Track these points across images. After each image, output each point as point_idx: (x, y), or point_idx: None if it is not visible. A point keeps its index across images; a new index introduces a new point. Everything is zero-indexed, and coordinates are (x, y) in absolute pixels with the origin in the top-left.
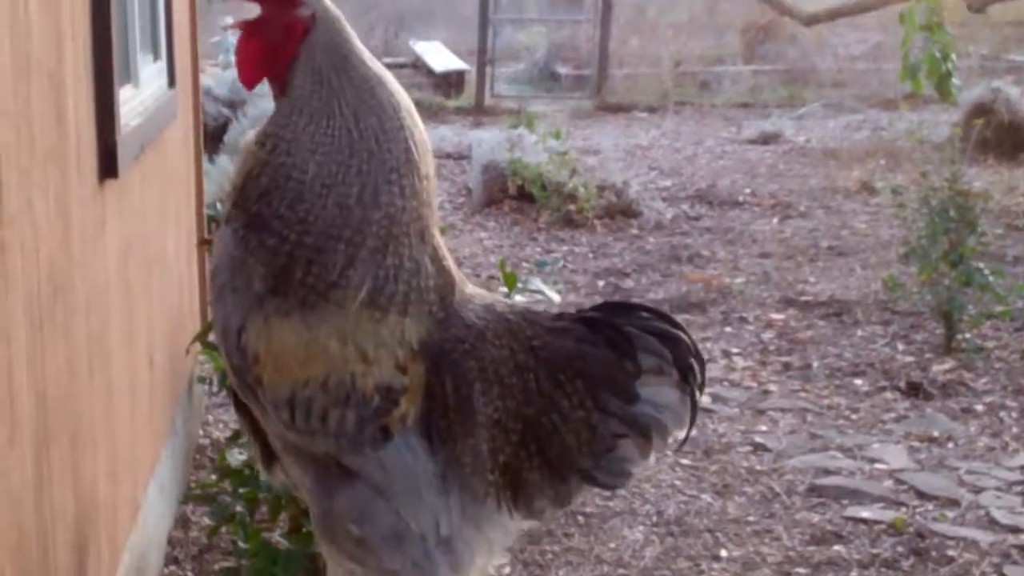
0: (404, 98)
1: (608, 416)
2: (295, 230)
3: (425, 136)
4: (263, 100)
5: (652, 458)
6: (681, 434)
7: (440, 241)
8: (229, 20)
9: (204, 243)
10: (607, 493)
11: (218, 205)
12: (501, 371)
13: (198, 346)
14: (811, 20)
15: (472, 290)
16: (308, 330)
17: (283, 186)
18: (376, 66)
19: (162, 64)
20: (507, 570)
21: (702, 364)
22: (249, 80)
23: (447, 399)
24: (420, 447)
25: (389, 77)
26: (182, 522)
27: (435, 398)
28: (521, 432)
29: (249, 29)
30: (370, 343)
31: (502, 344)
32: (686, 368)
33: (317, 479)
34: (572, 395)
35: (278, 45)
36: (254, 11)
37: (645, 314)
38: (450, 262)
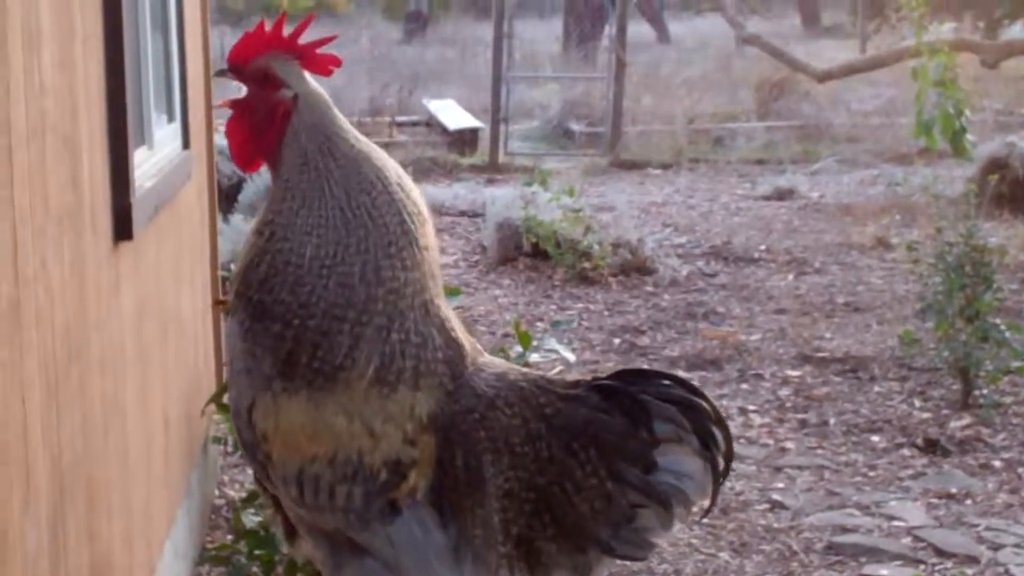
0: (394, 171)
1: (624, 485)
2: (298, 315)
3: (422, 206)
4: None
5: (675, 528)
6: (705, 503)
7: (449, 311)
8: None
9: (219, 303)
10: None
11: (232, 265)
12: (512, 440)
13: (213, 406)
14: (824, 76)
15: (486, 359)
16: (315, 408)
17: (282, 272)
18: (361, 143)
19: (176, 125)
20: None
21: (725, 430)
22: (240, 161)
23: (457, 471)
24: (430, 520)
25: (376, 152)
26: None
27: (445, 470)
28: (534, 502)
29: (236, 110)
30: (377, 419)
31: (513, 413)
32: (706, 435)
33: (328, 553)
34: (585, 464)
35: (263, 126)
36: (242, 90)
37: (663, 381)
38: (459, 332)
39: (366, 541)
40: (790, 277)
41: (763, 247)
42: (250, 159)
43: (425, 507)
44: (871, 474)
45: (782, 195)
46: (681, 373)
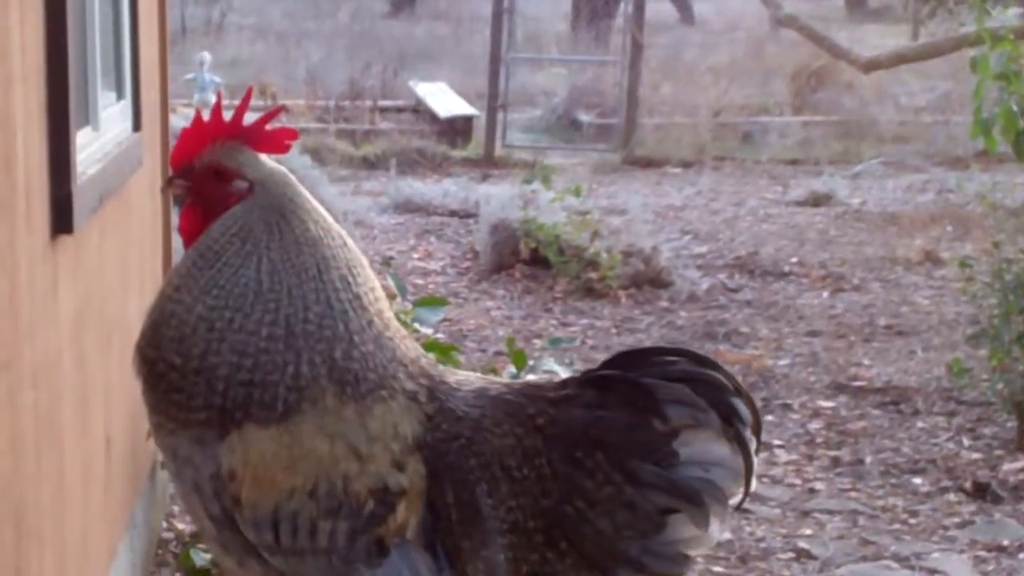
0: (344, 264)
1: (645, 488)
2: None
3: (378, 303)
4: None
5: (715, 531)
6: (739, 492)
7: (409, 341)
8: (205, 55)
9: None
10: None
11: None
12: (508, 463)
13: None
14: (870, 66)
15: (459, 376)
16: (289, 434)
17: (177, 329)
18: (319, 226)
19: (126, 104)
20: None
21: (748, 400)
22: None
23: (449, 509)
24: (423, 565)
25: (334, 241)
26: None
27: (437, 509)
28: (544, 531)
29: (189, 201)
30: (361, 438)
31: (503, 432)
32: (727, 411)
33: None
34: (595, 472)
35: (216, 216)
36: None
37: (663, 358)
38: (422, 354)
39: None
40: (825, 295)
41: (795, 259)
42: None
43: (416, 548)
44: (912, 521)
45: (818, 201)
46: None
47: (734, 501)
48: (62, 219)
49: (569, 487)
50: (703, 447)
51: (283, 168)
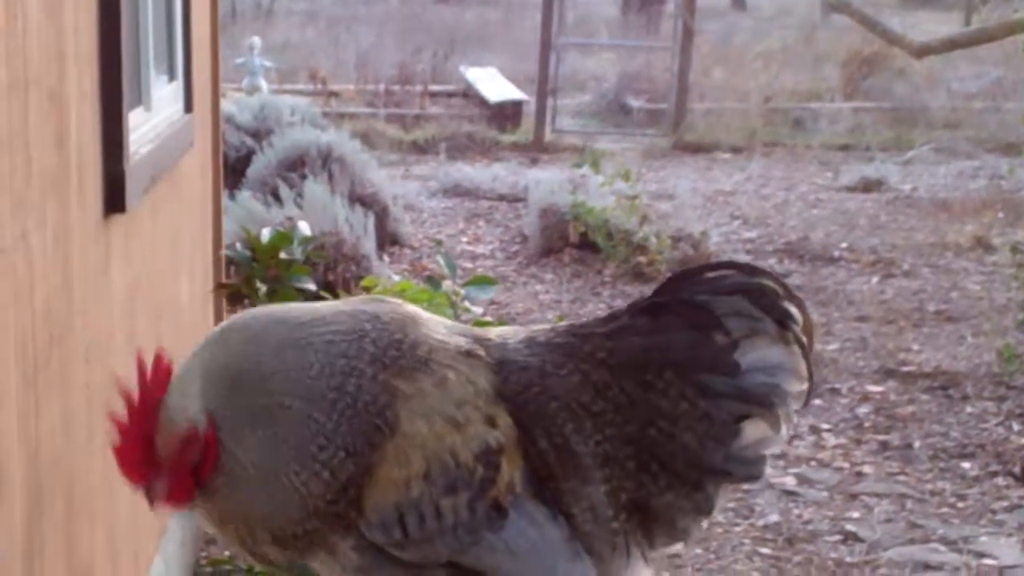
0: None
1: (718, 399)
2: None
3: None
4: (292, 130)
5: (785, 431)
6: (803, 388)
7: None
8: (255, 39)
9: (221, 288)
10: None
11: (238, 246)
12: (583, 400)
13: None
14: (923, 51)
15: (499, 330)
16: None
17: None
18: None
19: (178, 86)
20: None
21: (799, 303)
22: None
23: (545, 455)
24: (539, 515)
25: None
26: None
27: (531, 457)
28: (635, 456)
29: (178, 483)
30: (450, 406)
31: (569, 371)
32: (782, 316)
33: None
34: (667, 391)
35: (203, 466)
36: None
37: (711, 273)
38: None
39: (482, 560)
40: (874, 280)
41: (844, 245)
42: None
43: (528, 500)
44: (960, 505)
45: (869, 186)
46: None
47: (799, 398)
48: (115, 198)
49: (647, 410)
50: (763, 353)
51: (188, 368)
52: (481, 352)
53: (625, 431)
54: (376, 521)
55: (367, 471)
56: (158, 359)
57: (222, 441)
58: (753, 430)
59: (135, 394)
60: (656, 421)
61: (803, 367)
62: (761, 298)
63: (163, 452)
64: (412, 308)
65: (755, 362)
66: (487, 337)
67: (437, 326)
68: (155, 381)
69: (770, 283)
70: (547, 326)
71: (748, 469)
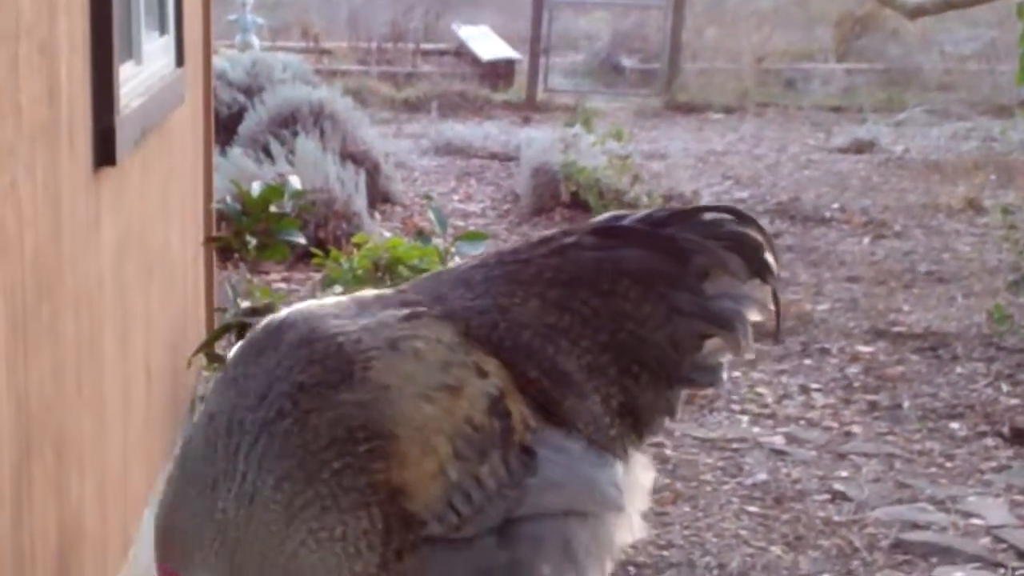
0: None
1: (680, 313)
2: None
3: None
4: (284, 87)
5: (745, 351)
6: (770, 315)
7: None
8: None
9: (211, 241)
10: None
11: (228, 199)
12: (551, 321)
13: (202, 359)
14: (916, 12)
15: (412, 289)
16: (398, 426)
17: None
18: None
19: (169, 40)
20: None
21: (771, 246)
22: None
23: (539, 382)
24: (560, 439)
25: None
26: None
27: (528, 391)
28: (615, 362)
29: None
30: (437, 375)
31: (524, 297)
32: (761, 268)
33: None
34: (628, 295)
35: None
36: None
37: (694, 216)
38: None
39: (532, 505)
40: (866, 241)
41: (836, 206)
42: None
43: (545, 430)
44: (948, 465)
45: (861, 148)
46: None
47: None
48: (105, 151)
49: (613, 316)
50: (732, 284)
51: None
52: (422, 309)
53: (599, 340)
54: (429, 518)
55: (395, 494)
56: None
57: None
58: (713, 346)
59: None
60: (624, 324)
61: (770, 301)
62: (743, 248)
63: None
64: (312, 307)
65: (723, 289)
66: (410, 297)
67: (360, 309)
68: None
69: (753, 234)
70: (461, 264)
71: (708, 378)
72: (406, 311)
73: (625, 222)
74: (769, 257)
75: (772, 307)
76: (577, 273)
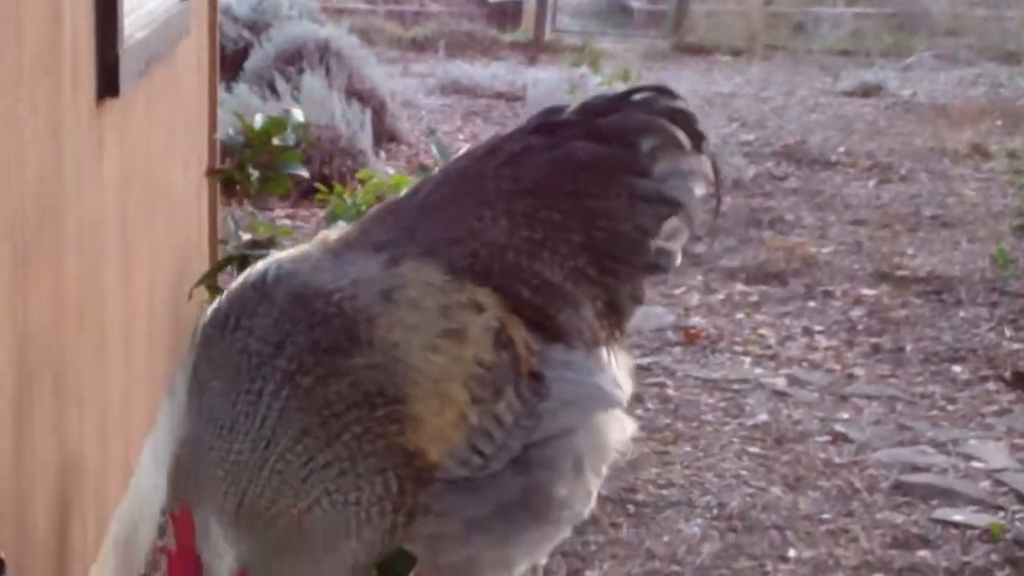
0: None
1: (639, 198)
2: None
3: None
4: (290, 24)
5: (697, 230)
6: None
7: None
8: None
9: (214, 173)
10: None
11: (230, 131)
12: (526, 235)
13: (203, 292)
14: None
15: (374, 229)
16: (412, 385)
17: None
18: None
19: None
20: (544, 561)
21: (691, 113)
22: None
23: (532, 301)
24: (564, 354)
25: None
26: None
27: (524, 312)
28: (592, 262)
29: None
30: (440, 321)
31: (493, 215)
32: (691, 130)
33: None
34: (590, 191)
35: None
36: None
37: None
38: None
39: (550, 429)
40: (871, 184)
41: (842, 149)
42: None
43: (548, 349)
44: (949, 408)
45: (868, 91)
46: (740, 287)
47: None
48: (108, 82)
49: (583, 215)
50: (676, 162)
51: (204, 522)
52: (399, 251)
53: (574, 242)
54: (453, 463)
55: (410, 457)
56: (183, 519)
57: None
58: (668, 226)
59: (177, 553)
60: (596, 222)
61: (710, 173)
62: (673, 117)
63: None
64: (288, 261)
65: (669, 168)
66: (377, 237)
67: (334, 259)
68: (185, 545)
69: (678, 102)
70: (410, 191)
71: (670, 261)
72: (385, 256)
73: (565, 116)
74: (701, 125)
75: (713, 177)
76: (537, 179)
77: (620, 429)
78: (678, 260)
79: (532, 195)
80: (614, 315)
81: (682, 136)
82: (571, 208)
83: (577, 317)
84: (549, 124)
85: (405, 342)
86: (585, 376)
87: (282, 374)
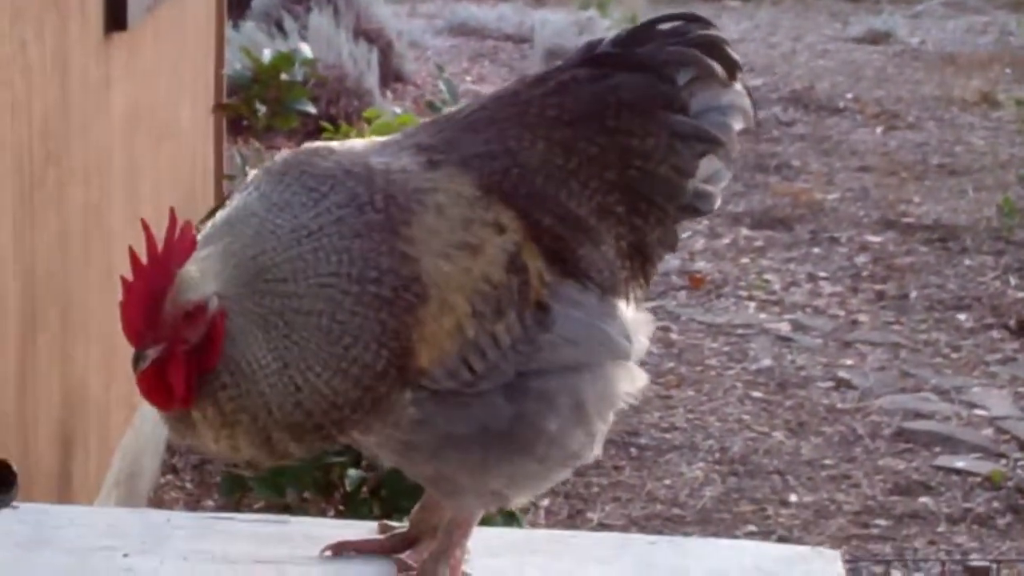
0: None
1: (679, 136)
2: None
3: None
4: None
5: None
6: (750, 123)
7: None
8: None
9: (221, 108)
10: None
11: (237, 66)
12: (559, 163)
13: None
14: None
15: (423, 131)
16: (420, 285)
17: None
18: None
19: None
20: (546, 502)
21: (727, 45)
22: (184, 401)
23: (554, 230)
24: (574, 293)
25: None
26: None
27: (543, 241)
28: (625, 201)
29: (163, 358)
30: (459, 232)
31: (532, 139)
32: (730, 64)
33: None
34: (633, 130)
35: (204, 354)
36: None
37: (653, 29)
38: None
39: (546, 361)
40: (878, 131)
41: (850, 95)
42: (186, 395)
43: (559, 284)
44: (953, 356)
45: (877, 38)
46: (746, 232)
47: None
48: (116, 15)
49: (620, 153)
50: (713, 94)
51: (211, 249)
52: (439, 157)
53: (607, 179)
54: (441, 373)
55: (405, 352)
56: (186, 229)
57: (231, 335)
58: (706, 165)
59: (153, 253)
60: (631, 161)
61: (749, 106)
62: (708, 47)
63: (166, 321)
64: (349, 144)
65: (707, 102)
66: (420, 140)
67: (381, 149)
68: (177, 247)
69: (714, 32)
70: (473, 103)
71: (706, 204)
72: (424, 158)
73: (606, 47)
74: (734, 52)
75: (750, 108)
76: (580, 110)
77: (630, 380)
78: (717, 202)
79: (572, 126)
80: (640, 258)
81: (719, 68)
82: (609, 143)
83: (597, 254)
84: (595, 56)
85: (422, 242)
86: (595, 319)
87: (338, 215)
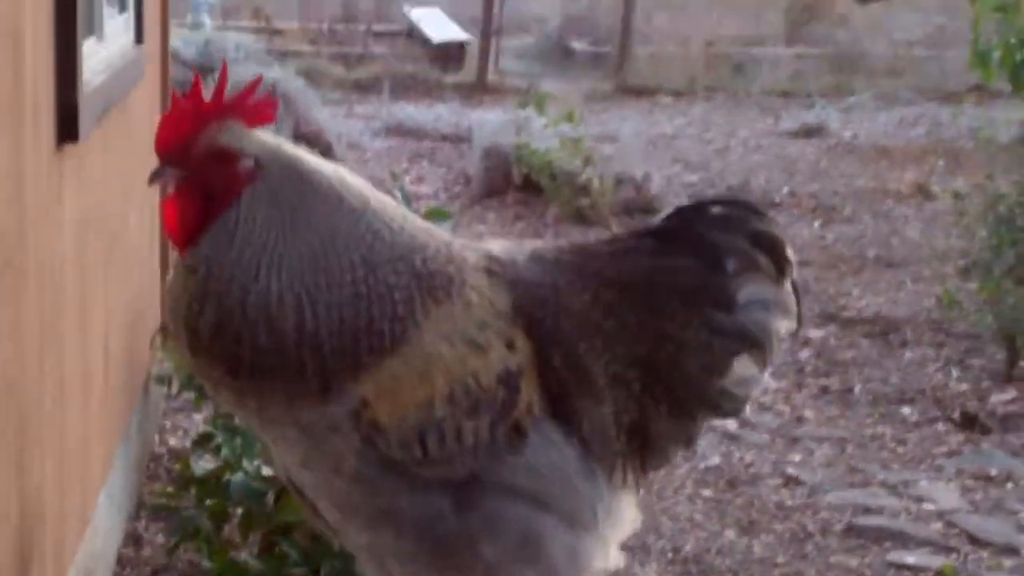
0: (368, 191)
1: (719, 333)
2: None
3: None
4: (237, 67)
5: (769, 368)
6: (792, 326)
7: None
8: None
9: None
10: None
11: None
12: (595, 319)
13: (159, 340)
14: None
15: (501, 244)
16: (412, 350)
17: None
18: (335, 172)
19: (129, 16)
20: None
21: (786, 246)
22: (181, 238)
23: (560, 373)
24: (557, 435)
25: (351, 178)
26: (133, 539)
27: (546, 378)
28: (641, 379)
29: (183, 189)
30: (473, 329)
31: (580, 289)
32: (781, 261)
33: (426, 511)
34: (675, 316)
35: (219, 202)
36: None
37: (719, 209)
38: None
39: (501, 477)
40: (815, 225)
41: (786, 190)
42: (194, 237)
43: (546, 421)
44: (900, 450)
45: (810, 132)
46: None
47: (786, 337)
48: (68, 127)
49: (655, 333)
50: (760, 288)
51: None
52: (498, 269)
53: (634, 352)
54: (396, 438)
55: (370, 367)
56: (267, 100)
57: (247, 202)
58: (740, 367)
59: (221, 90)
60: (664, 345)
61: (795, 306)
62: (764, 240)
63: (196, 150)
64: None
65: (752, 296)
66: (494, 252)
67: (451, 239)
68: (244, 104)
69: (773, 228)
70: (543, 242)
71: (735, 405)
72: (484, 264)
73: (671, 222)
74: (790, 252)
75: (796, 309)
76: (633, 280)
77: (603, 556)
78: (744, 408)
79: (621, 292)
80: (640, 440)
81: (774, 267)
82: (647, 320)
83: (594, 413)
84: (663, 229)
85: (433, 319)
86: (568, 468)
87: (366, 230)
